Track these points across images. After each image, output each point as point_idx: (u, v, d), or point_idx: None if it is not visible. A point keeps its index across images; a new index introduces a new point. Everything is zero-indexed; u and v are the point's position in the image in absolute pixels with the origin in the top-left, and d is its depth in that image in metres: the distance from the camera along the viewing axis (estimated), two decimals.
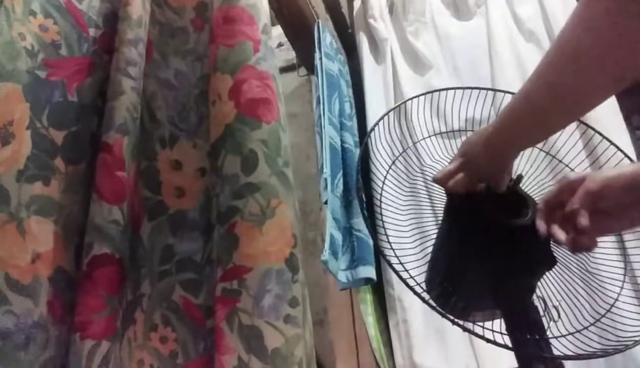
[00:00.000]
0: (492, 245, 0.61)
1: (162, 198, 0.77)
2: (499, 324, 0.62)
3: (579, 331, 0.62)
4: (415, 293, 0.62)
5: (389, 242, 0.67)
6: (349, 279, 1.11)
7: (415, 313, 1.41)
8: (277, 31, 1.37)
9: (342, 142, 1.25)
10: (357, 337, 1.32)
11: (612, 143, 0.77)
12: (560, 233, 0.56)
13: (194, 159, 0.81)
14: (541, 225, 0.59)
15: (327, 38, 1.37)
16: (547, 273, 0.65)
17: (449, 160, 0.72)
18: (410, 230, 0.74)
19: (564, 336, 0.61)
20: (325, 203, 1.05)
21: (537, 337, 0.57)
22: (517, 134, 0.59)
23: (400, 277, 0.62)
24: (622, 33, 0.43)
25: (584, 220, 0.54)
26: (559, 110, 0.54)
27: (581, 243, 0.55)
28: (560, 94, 0.52)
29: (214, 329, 0.64)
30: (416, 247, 0.72)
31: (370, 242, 1.14)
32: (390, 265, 0.63)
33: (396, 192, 0.76)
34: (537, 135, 0.60)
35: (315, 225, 1.38)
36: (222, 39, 0.79)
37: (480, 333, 0.59)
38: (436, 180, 0.68)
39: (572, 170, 0.82)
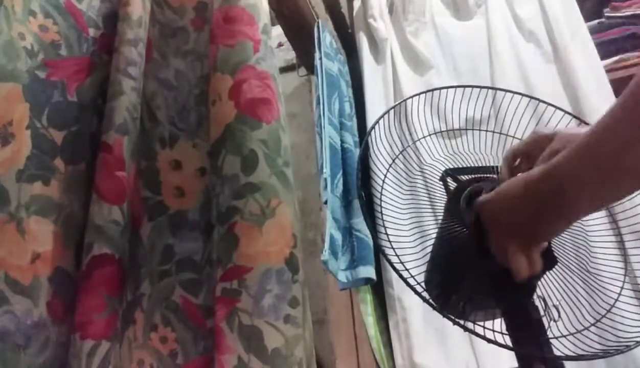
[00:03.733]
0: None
1: (162, 198, 0.77)
2: (499, 324, 0.62)
3: (579, 331, 0.62)
4: (416, 292, 0.62)
5: (389, 241, 0.67)
6: (349, 279, 1.11)
7: (415, 313, 1.41)
8: (277, 31, 1.37)
9: (342, 142, 1.25)
10: (357, 337, 1.32)
11: None
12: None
13: (194, 159, 0.81)
14: (505, 173, 0.59)
15: (327, 38, 1.37)
16: (547, 273, 0.65)
17: (443, 163, 0.71)
18: (410, 229, 0.74)
19: (564, 336, 0.61)
20: (325, 203, 1.05)
21: (537, 337, 0.57)
22: (597, 178, 0.45)
23: (400, 276, 0.62)
24: None
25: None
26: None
27: None
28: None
29: (214, 329, 0.64)
30: (416, 246, 0.72)
31: (370, 242, 1.14)
32: (391, 264, 0.63)
33: (396, 191, 0.76)
34: (619, 186, 0.45)
35: (315, 225, 1.38)
36: (222, 39, 0.79)
37: (481, 333, 0.59)
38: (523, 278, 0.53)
39: None
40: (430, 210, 0.79)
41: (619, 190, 0.46)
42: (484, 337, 0.57)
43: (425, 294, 0.62)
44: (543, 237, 0.54)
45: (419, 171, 0.86)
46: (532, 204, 0.50)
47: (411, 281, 0.62)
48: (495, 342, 0.57)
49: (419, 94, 0.79)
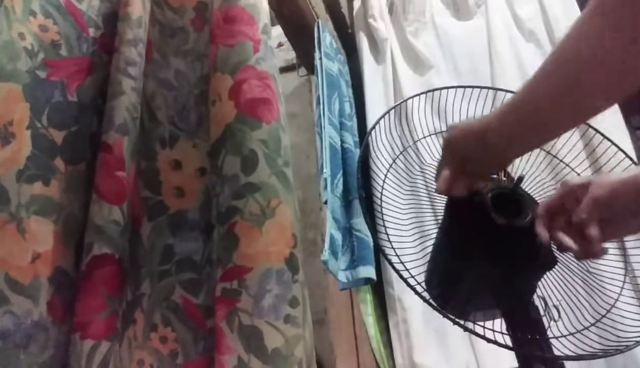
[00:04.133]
0: (493, 245, 0.61)
1: (162, 198, 0.77)
2: (499, 324, 0.62)
3: (579, 331, 0.62)
4: (416, 292, 0.62)
5: (389, 241, 0.67)
6: (349, 279, 1.11)
7: (415, 313, 1.41)
8: (277, 31, 1.37)
9: (342, 142, 1.25)
10: (357, 337, 1.32)
11: (612, 143, 0.77)
12: (570, 242, 0.55)
13: (194, 159, 0.81)
14: (543, 233, 0.57)
15: (327, 38, 1.37)
16: (547, 273, 0.65)
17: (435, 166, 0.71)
18: (410, 229, 0.74)
19: (564, 336, 0.61)
20: (325, 203, 1.05)
21: (537, 337, 0.57)
22: (520, 131, 0.55)
23: (401, 276, 0.62)
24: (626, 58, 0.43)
25: (594, 230, 0.53)
26: (562, 109, 0.51)
27: (592, 252, 0.54)
28: (563, 91, 0.49)
29: (214, 329, 0.64)
30: (416, 246, 0.72)
31: (370, 242, 1.14)
32: (391, 264, 0.63)
33: (396, 191, 0.76)
34: (541, 134, 0.56)
35: (315, 225, 1.38)
36: (222, 39, 0.79)
37: (481, 333, 0.59)
38: (439, 191, 0.65)
39: (573, 170, 0.82)
40: (431, 211, 0.79)
41: (535, 142, 0.60)
42: (484, 337, 0.57)
43: (425, 294, 0.62)
44: (474, 170, 0.63)
45: (420, 171, 0.86)
46: (475, 141, 0.59)
47: (411, 281, 0.62)
48: (495, 342, 0.57)
49: (419, 94, 0.79)
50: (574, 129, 0.89)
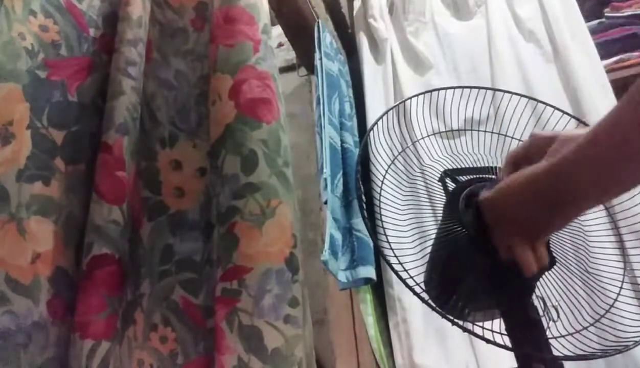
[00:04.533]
0: (492, 245, 0.61)
1: (162, 198, 0.77)
2: (498, 324, 0.62)
3: (578, 331, 0.62)
4: (415, 293, 0.62)
5: (388, 241, 0.67)
6: (349, 279, 1.11)
7: (415, 313, 1.41)
8: (277, 31, 1.37)
9: (342, 142, 1.25)
10: (357, 337, 1.32)
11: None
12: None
13: (194, 159, 0.81)
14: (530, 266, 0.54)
15: (327, 38, 1.37)
16: (546, 273, 0.65)
17: (442, 163, 0.71)
18: (409, 229, 0.74)
19: (563, 336, 0.61)
20: (325, 203, 1.05)
21: (536, 337, 0.57)
22: (596, 175, 0.46)
23: (399, 276, 0.62)
24: None
25: None
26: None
27: None
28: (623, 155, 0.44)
29: (214, 329, 0.64)
30: (415, 246, 0.72)
31: (370, 242, 1.14)
32: (390, 265, 0.63)
33: (395, 191, 0.76)
34: (618, 183, 0.47)
35: (315, 225, 1.38)
36: (222, 39, 0.79)
37: (480, 333, 0.59)
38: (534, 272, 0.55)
39: None
40: (430, 211, 0.79)
41: (618, 187, 0.48)
42: (483, 338, 0.57)
43: (424, 295, 0.62)
44: (547, 231, 0.55)
45: (419, 172, 0.86)
46: (536, 199, 0.51)
47: (410, 282, 0.62)
48: (494, 343, 0.57)
49: (419, 94, 0.79)
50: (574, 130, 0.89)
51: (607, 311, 0.67)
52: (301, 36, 1.42)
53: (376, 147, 0.74)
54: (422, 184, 0.85)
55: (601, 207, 0.76)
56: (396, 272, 0.62)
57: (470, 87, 0.80)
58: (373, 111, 1.63)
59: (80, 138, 0.70)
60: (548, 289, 0.65)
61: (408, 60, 1.75)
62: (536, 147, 0.57)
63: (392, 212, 0.73)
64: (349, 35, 1.88)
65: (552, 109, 0.77)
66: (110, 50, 0.75)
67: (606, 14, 1.76)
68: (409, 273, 0.63)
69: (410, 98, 0.79)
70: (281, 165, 0.72)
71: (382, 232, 0.67)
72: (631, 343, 0.59)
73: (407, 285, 0.62)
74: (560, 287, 0.66)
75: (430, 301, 0.62)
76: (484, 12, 1.72)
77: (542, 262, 0.55)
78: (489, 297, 0.62)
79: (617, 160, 0.45)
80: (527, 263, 0.54)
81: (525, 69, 1.57)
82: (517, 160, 0.61)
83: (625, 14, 1.73)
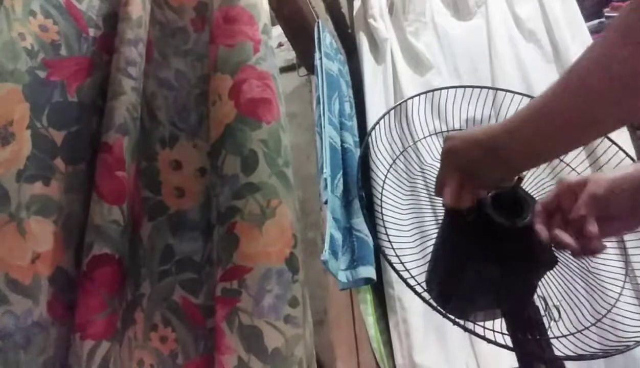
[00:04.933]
0: (493, 245, 0.61)
1: (162, 198, 0.77)
2: (499, 324, 0.62)
3: (579, 331, 0.62)
4: (416, 293, 0.62)
5: (389, 241, 0.67)
6: (349, 279, 1.11)
7: (415, 313, 1.41)
8: (277, 31, 1.37)
9: (342, 142, 1.25)
10: (357, 337, 1.32)
11: (613, 142, 0.77)
12: (567, 238, 0.55)
13: (194, 159, 0.81)
14: (542, 231, 0.57)
15: (327, 38, 1.37)
16: (548, 273, 0.65)
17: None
18: (410, 229, 0.74)
19: (564, 336, 0.61)
20: (325, 203, 1.05)
21: (538, 337, 0.57)
22: (539, 145, 0.53)
23: (400, 276, 0.62)
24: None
25: (592, 227, 0.53)
26: (576, 126, 0.50)
27: (590, 248, 0.54)
28: (580, 110, 0.48)
29: (214, 329, 0.64)
30: (416, 246, 0.72)
31: (370, 242, 1.14)
32: (391, 264, 0.63)
33: (396, 191, 0.76)
34: (555, 146, 0.53)
35: (315, 225, 1.38)
36: (222, 39, 0.79)
37: (481, 333, 0.59)
38: (447, 206, 0.62)
39: (574, 169, 0.82)
40: (431, 211, 0.79)
41: (550, 153, 0.56)
42: (484, 337, 0.57)
43: (425, 294, 0.62)
44: (481, 179, 0.60)
45: (420, 171, 0.86)
46: (481, 150, 0.57)
47: (411, 281, 0.62)
48: (495, 342, 0.57)
49: (419, 95, 0.79)
50: None
51: (609, 311, 0.67)
52: (301, 36, 1.42)
53: (377, 147, 0.74)
54: (423, 183, 0.85)
55: None
56: (397, 272, 0.62)
57: (471, 87, 0.80)
58: (373, 111, 1.63)
59: (80, 138, 0.70)
60: (549, 289, 0.65)
61: (408, 60, 1.75)
62: (567, 193, 0.57)
63: (393, 211, 0.73)
64: (349, 35, 1.88)
65: None
66: (110, 50, 0.75)
67: (606, 14, 1.76)
68: (410, 273, 0.63)
69: (411, 98, 0.79)
70: (281, 165, 0.72)
71: (384, 232, 0.67)
72: (632, 343, 0.59)
73: (408, 285, 0.62)
74: (561, 286, 0.66)
75: (431, 301, 0.62)
76: (484, 12, 1.72)
77: (461, 201, 0.61)
78: (490, 297, 0.62)
79: (553, 129, 0.50)
80: (447, 194, 0.61)
81: (525, 69, 1.57)
82: (549, 210, 0.60)
83: None
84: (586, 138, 0.53)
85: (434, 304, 0.61)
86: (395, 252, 0.66)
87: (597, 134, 0.53)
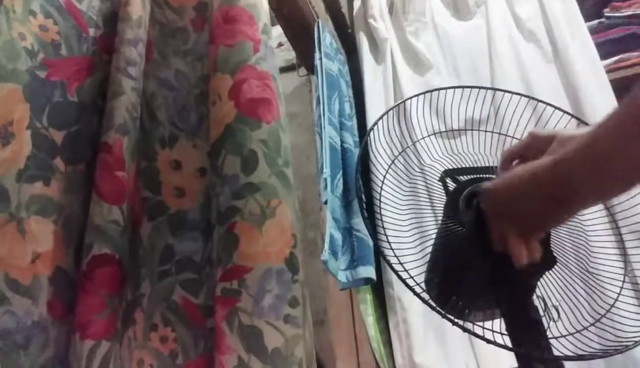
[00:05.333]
0: (488, 236, 0.61)
1: (162, 198, 0.77)
2: (499, 324, 0.62)
3: (579, 331, 0.62)
4: (415, 293, 0.62)
5: (388, 241, 0.67)
6: (349, 279, 1.11)
7: (415, 313, 1.41)
8: (277, 31, 1.37)
9: (342, 142, 1.25)
10: (357, 337, 1.32)
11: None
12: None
13: (194, 159, 0.81)
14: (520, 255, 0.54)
15: (327, 38, 1.37)
16: (547, 273, 0.65)
17: (443, 163, 0.71)
18: (409, 229, 0.74)
19: (564, 336, 0.61)
20: (325, 203, 1.05)
21: (537, 337, 0.57)
22: (599, 173, 0.47)
23: (399, 276, 0.62)
24: None
25: None
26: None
27: None
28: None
29: (214, 329, 0.64)
30: (416, 246, 0.72)
31: (370, 242, 1.14)
32: (390, 265, 0.63)
33: (395, 191, 0.76)
34: (620, 181, 0.47)
35: (315, 225, 1.38)
36: (222, 39, 0.79)
37: (480, 333, 0.59)
38: (523, 266, 0.55)
39: None
40: (431, 211, 0.79)
41: (617, 187, 0.48)
42: (483, 338, 0.57)
43: (424, 295, 0.62)
44: (544, 226, 0.56)
45: (419, 172, 0.86)
46: (537, 193, 0.51)
47: (410, 282, 0.62)
48: (494, 343, 0.57)
49: (418, 95, 0.79)
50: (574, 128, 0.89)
51: (608, 311, 0.67)
52: (301, 36, 1.42)
53: (376, 147, 0.74)
54: (423, 183, 0.85)
55: (602, 206, 0.76)
56: (396, 272, 0.62)
57: (470, 87, 0.80)
58: (373, 111, 1.63)
59: (80, 138, 0.70)
60: (548, 289, 0.65)
61: (408, 60, 1.75)
62: (534, 146, 0.57)
63: (393, 212, 0.73)
64: (349, 35, 1.88)
65: (552, 109, 0.77)
66: (110, 50, 0.75)
67: (606, 14, 1.76)
68: (409, 273, 0.63)
69: (410, 98, 0.79)
70: (281, 165, 0.72)
71: (383, 232, 0.67)
72: (631, 343, 0.59)
73: (407, 285, 0.62)
74: (560, 286, 0.66)
75: (430, 301, 0.62)
76: (484, 12, 1.72)
77: (533, 256, 0.55)
78: (489, 297, 0.62)
79: (618, 159, 0.45)
80: (517, 254, 0.54)
81: (525, 69, 1.57)
82: (514, 158, 0.61)
83: (625, 13, 1.72)
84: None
85: (433, 304, 0.62)
86: (394, 252, 0.66)
87: None
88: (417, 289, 0.62)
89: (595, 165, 0.47)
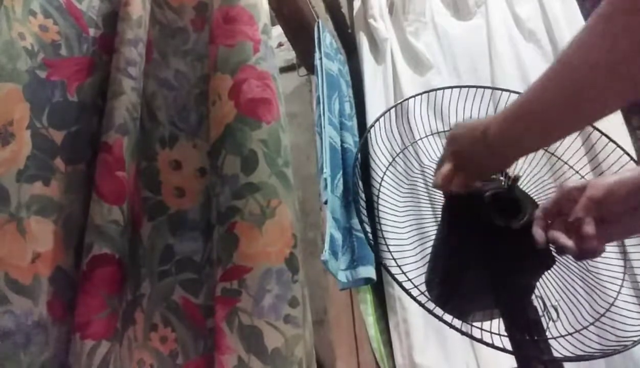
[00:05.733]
0: (491, 245, 0.61)
1: (162, 198, 0.77)
2: (497, 325, 0.62)
3: (578, 331, 0.62)
4: (412, 297, 0.62)
5: (386, 244, 0.67)
6: (349, 279, 1.11)
7: (415, 314, 1.41)
8: (277, 31, 1.37)
9: (342, 142, 1.25)
10: (357, 337, 1.32)
11: (611, 140, 0.77)
12: (565, 239, 0.55)
13: (194, 159, 0.81)
14: (539, 234, 0.58)
15: (327, 38, 1.37)
16: (546, 273, 0.65)
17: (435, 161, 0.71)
18: (408, 231, 0.74)
19: (563, 336, 0.61)
20: (325, 203, 1.05)
21: (536, 337, 0.57)
22: (523, 133, 0.55)
23: (396, 280, 0.62)
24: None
25: (589, 228, 0.53)
26: (569, 113, 0.51)
27: (587, 249, 0.54)
28: (572, 96, 0.49)
29: (214, 329, 0.64)
30: (414, 248, 0.72)
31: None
32: (387, 269, 0.63)
33: (394, 193, 0.76)
34: (546, 137, 0.56)
35: (315, 225, 1.38)
36: (222, 39, 0.79)
37: (479, 336, 0.59)
38: (436, 186, 0.66)
39: (572, 167, 0.82)
40: (430, 211, 0.79)
41: (537, 144, 0.58)
42: (481, 341, 0.57)
43: (421, 298, 0.62)
44: (473, 168, 0.63)
45: (419, 171, 0.86)
46: (475, 141, 0.60)
47: (407, 285, 0.62)
48: (493, 346, 0.57)
49: (418, 95, 0.79)
50: None
51: (607, 310, 0.67)
52: (301, 36, 1.42)
53: (375, 147, 0.74)
54: (423, 184, 0.85)
55: None
56: (393, 276, 0.62)
57: (470, 87, 0.80)
58: (373, 111, 1.63)
59: (80, 138, 0.70)
60: (547, 289, 0.65)
61: (408, 60, 1.75)
62: (567, 199, 0.58)
63: (391, 214, 0.73)
64: (349, 35, 1.88)
65: None
66: (110, 50, 0.75)
67: None
68: (407, 276, 0.63)
69: (410, 98, 0.79)
70: (281, 165, 0.72)
71: (381, 235, 0.67)
72: (630, 343, 0.59)
73: (404, 289, 0.62)
74: (560, 286, 0.66)
75: (427, 305, 0.62)
76: (484, 12, 1.72)
77: (450, 186, 0.64)
78: (489, 297, 0.62)
79: (539, 118, 0.52)
80: (439, 174, 0.65)
81: (525, 69, 1.57)
82: (548, 215, 0.60)
83: None
84: (576, 124, 0.54)
85: (430, 309, 0.62)
86: (392, 255, 0.66)
87: (587, 118, 0.53)
88: (414, 292, 0.62)
89: (520, 127, 0.55)
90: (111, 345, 0.59)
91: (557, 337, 0.60)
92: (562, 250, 0.56)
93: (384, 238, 0.67)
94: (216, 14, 0.81)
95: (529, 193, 0.69)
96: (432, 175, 0.72)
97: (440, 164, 0.67)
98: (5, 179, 0.58)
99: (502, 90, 0.80)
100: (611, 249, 0.76)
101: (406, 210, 0.78)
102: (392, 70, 1.72)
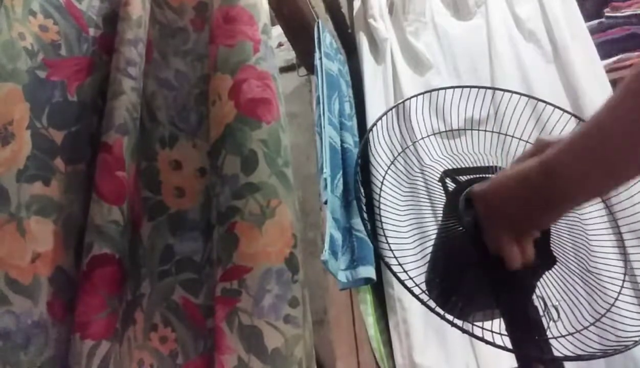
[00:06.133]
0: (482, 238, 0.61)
1: (162, 198, 0.77)
2: (498, 325, 0.62)
3: (578, 331, 0.62)
4: (414, 294, 0.62)
5: (387, 243, 0.67)
6: (349, 279, 1.11)
7: (416, 314, 1.41)
8: (277, 31, 1.37)
9: (342, 142, 1.25)
10: (357, 337, 1.32)
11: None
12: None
13: (194, 159, 0.81)
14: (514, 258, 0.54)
15: (327, 38, 1.37)
16: (546, 272, 0.65)
17: (443, 163, 0.70)
18: (409, 230, 0.74)
19: (563, 336, 0.61)
20: (325, 203, 1.05)
21: (537, 337, 0.57)
22: (590, 168, 0.46)
23: (398, 278, 0.62)
24: None
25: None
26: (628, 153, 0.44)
27: None
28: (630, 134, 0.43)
29: (214, 329, 0.64)
30: (416, 247, 0.72)
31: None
32: (389, 266, 0.63)
33: (395, 192, 0.76)
34: (608, 177, 0.46)
35: (315, 225, 1.38)
36: (222, 39, 0.79)
37: (480, 335, 0.59)
38: (518, 267, 0.55)
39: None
40: (430, 211, 0.79)
41: (609, 181, 0.47)
42: (482, 339, 0.57)
43: (422, 296, 0.62)
44: (535, 227, 0.55)
45: (419, 172, 0.86)
46: (525, 194, 0.50)
47: (409, 283, 0.62)
48: (494, 344, 0.57)
49: (418, 95, 0.79)
50: (573, 128, 0.89)
51: (608, 310, 0.67)
52: (301, 36, 1.42)
53: (376, 148, 0.74)
54: (422, 184, 0.85)
55: (602, 206, 0.76)
56: (395, 274, 0.62)
57: (470, 87, 0.80)
58: (373, 111, 1.63)
59: (80, 138, 0.70)
60: (548, 289, 0.65)
61: (408, 60, 1.75)
62: (541, 151, 0.56)
63: (392, 213, 0.73)
64: (349, 35, 1.88)
65: (552, 108, 0.77)
66: (110, 50, 0.75)
67: (606, 14, 1.76)
68: (408, 275, 0.63)
69: (410, 98, 0.79)
70: (281, 165, 0.72)
71: (382, 234, 0.67)
72: (631, 343, 0.59)
73: (405, 287, 0.62)
74: (560, 286, 0.66)
75: (428, 303, 0.62)
76: (484, 12, 1.72)
77: (527, 258, 0.54)
78: (489, 297, 0.62)
79: (610, 152, 0.44)
80: (511, 257, 0.54)
81: (525, 69, 1.57)
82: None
83: (625, 13, 1.73)
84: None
85: (432, 307, 0.61)
86: (393, 254, 0.66)
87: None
88: (416, 291, 0.62)
89: (586, 159, 0.46)
90: (111, 345, 0.59)
91: (558, 337, 0.60)
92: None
93: (385, 237, 0.67)
94: (216, 14, 0.81)
95: None
96: (432, 175, 0.72)
97: (495, 243, 0.55)
98: (5, 179, 0.58)
99: (502, 90, 0.80)
100: (611, 250, 0.76)
101: (407, 210, 0.78)
102: (392, 70, 1.72)
